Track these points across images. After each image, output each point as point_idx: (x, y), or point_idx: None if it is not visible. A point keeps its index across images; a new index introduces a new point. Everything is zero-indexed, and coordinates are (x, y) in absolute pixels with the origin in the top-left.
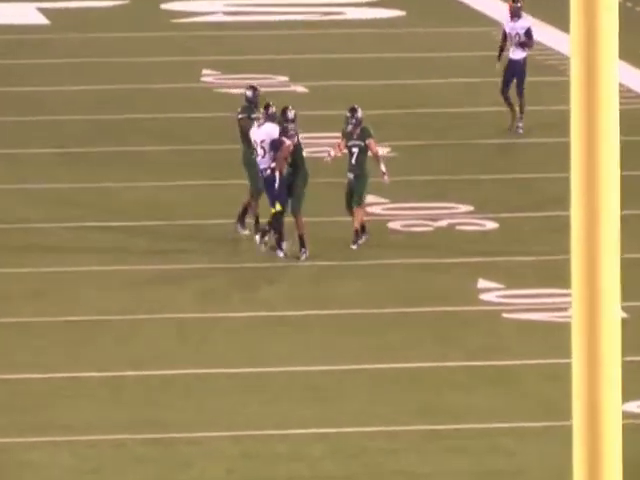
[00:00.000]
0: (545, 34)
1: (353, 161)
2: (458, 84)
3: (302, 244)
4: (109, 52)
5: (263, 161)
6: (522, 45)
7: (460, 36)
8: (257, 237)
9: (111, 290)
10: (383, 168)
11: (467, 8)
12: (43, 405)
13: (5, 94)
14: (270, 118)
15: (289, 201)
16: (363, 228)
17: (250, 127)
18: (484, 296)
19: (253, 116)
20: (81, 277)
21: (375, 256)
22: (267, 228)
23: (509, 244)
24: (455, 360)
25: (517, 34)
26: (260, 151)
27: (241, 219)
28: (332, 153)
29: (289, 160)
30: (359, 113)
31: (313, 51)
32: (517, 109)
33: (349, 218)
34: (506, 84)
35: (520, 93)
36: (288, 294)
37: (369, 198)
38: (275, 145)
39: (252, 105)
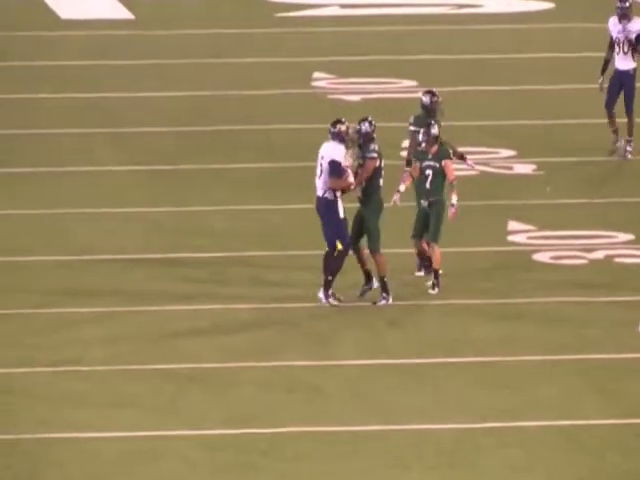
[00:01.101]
0: None
1: (427, 185)
2: None
3: (384, 288)
4: (200, 52)
5: (318, 182)
6: (634, 52)
7: None
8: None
9: (202, 334)
10: (454, 200)
11: None
12: (119, 473)
13: (79, 101)
14: (335, 136)
15: (359, 238)
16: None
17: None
18: None
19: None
20: (165, 318)
21: (517, 293)
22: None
23: None
24: (617, 417)
25: (627, 40)
26: (318, 170)
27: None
28: (402, 188)
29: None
30: (435, 129)
31: (445, 51)
32: (618, 128)
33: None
34: (612, 98)
35: (629, 110)
36: (412, 338)
37: (511, 225)
38: (333, 169)
39: (430, 114)
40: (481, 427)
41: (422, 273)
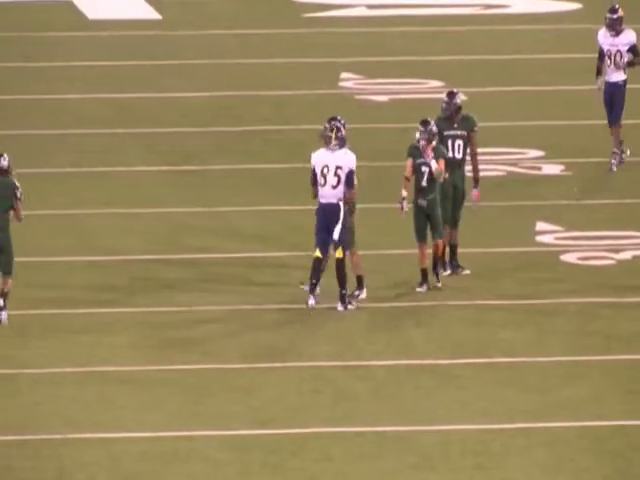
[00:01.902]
0: None
1: (424, 183)
2: None
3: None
4: (228, 53)
5: (332, 192)
6: (629, 65)
7: None
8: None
9: (229, 334)
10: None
11: None
12: (146, 474)
13: (106, 102)
14: (341, 142)
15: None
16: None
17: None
18: None
19: (447, 133)
20: (193, 318)
21: (545, 294)
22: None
23: None
24: None
25: (618, 52)
26: (333, 179)
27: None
28: (404, 194)
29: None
30: (433, 126)
31: (472, 51)
32: (623, 140)
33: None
34: (610, 111)
35: (616, 123)
36: (439, 339)
37: (539, 225)
38: (352, 180)
39: (449, 117)
40: (508, 428)
41: (448, 272)
